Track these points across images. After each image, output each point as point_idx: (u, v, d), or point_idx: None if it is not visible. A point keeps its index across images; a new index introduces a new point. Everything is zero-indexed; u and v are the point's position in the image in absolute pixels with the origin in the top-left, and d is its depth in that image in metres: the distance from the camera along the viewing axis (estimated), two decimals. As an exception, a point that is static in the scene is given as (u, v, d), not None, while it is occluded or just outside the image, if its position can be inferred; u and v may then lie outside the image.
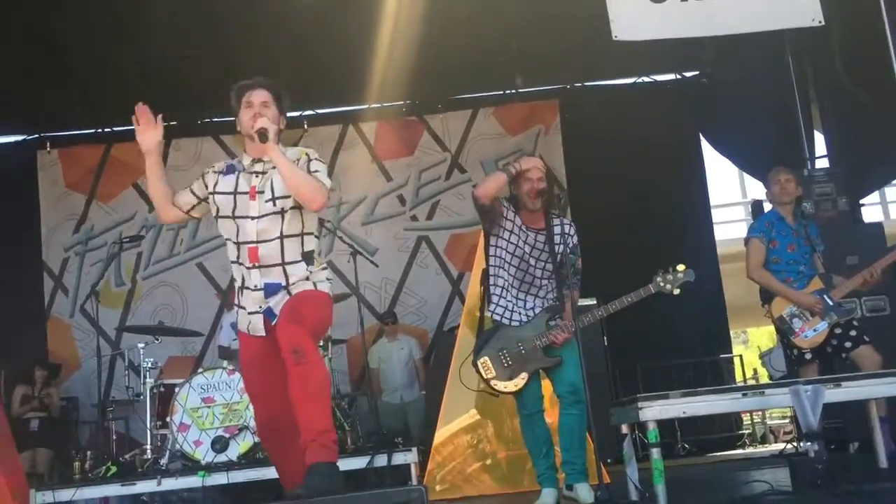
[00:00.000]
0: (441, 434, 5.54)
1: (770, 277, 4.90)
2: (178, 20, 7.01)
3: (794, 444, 7.20)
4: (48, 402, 7.66)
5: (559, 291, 4.20)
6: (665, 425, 5.45)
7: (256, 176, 3.43)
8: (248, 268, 3.38)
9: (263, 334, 3.36)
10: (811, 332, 4.76)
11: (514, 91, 9.02)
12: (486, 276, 4.35)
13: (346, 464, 5.02)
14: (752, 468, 5.76)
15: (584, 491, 4.01)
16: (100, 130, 8.96)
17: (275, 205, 3.37)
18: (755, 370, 10.67)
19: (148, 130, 3.57)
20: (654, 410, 3.41)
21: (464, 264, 8.61)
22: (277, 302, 3.34)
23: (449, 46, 7.41)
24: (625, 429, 3.87)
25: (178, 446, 5.50)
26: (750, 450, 8.87)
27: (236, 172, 3.47)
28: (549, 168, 4.35)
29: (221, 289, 8.38)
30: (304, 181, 3.31)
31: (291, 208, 3.37)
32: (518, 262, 4.22)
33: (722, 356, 9.01)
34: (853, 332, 4.73)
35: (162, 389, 5.91)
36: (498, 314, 4.24)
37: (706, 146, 9.16)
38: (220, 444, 5.46)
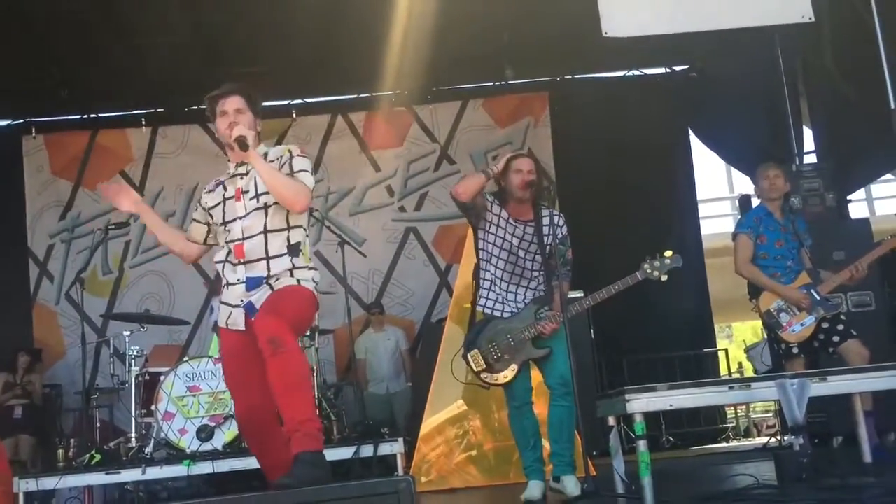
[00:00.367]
0: (427, 425, 5.55)
1: (758, 272, 4.93)
2: (166, 7, 6.94)
3: (779, 437, 7.26)
4: (31, 390, 7.61)
5: (548, 282, 4.21)
6: (650, 418, 5.48)
7: (241, 178, 3.45)
8: (234, 264, 3.39)
9: (242, 328, 3.34)
10: (798, 327, 4.78)
11: (503, 83, 9.00)
12: (476, 269, 4.36)
13: (331, 454, 5.01)
14: (737, 462, 5.80)
15: (570, 483, 4.02)
16: (85, 116, 8.87)
17: (258, 201, 3.38)
18: (740, 364, 10.72)
19: (122, 199, 3.64)
20: (641, 403, 3.41)
21: (452, 256, 8.60)
22: (259, 297, 3.32)
23: (439, 37, 7.37)
24: (611, 421, 3.87)
25: (162, 435, 5.48)
26: (734, 443, 8.93)
27: (221, 183, 3.51)
28: (538, 161, 4.35)
29: (209, 278, 8.33)
30: (285, 185, 3.33)
31: (274, 203, 3.37)
32: (507, 255, 4.23)
33: (707, 350, 9.06)
34: (840, 327, 4.76)
35: (147, 378, 5.88)
36: (489, 308, 4.25)
37: (695, 140, 9.19)
38: (205, 433, 5.43)
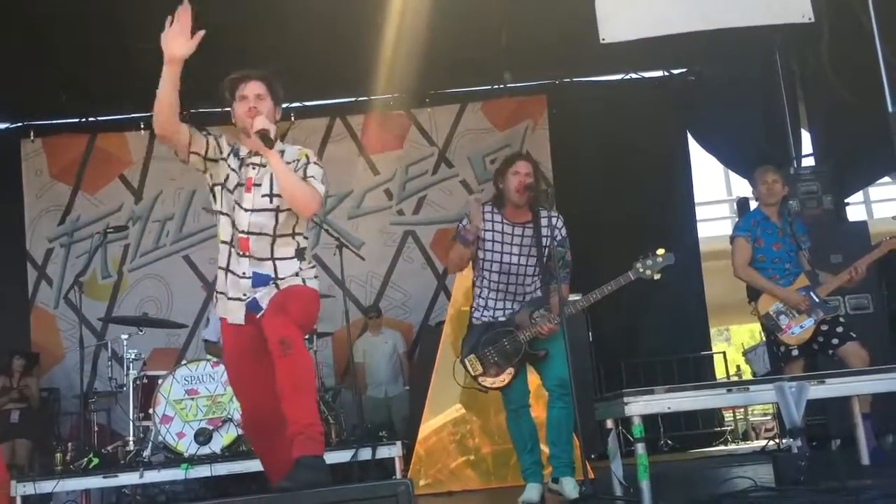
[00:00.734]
0: (425, 428, 5.55)
1: (756, 275, 4.93)
2: (165, 10, 6.94)
3: (777, 440, 7.26)
4: (28, 394, 7.59)
5: (544, 284, 4.21)
6: (648, 421, 5.48)
7: (254, 168, 3.38)
8: (238, 255, 3.33)
9: (241, 322, 3.31)
10: (798, 329, 4.79)
11: (502, 86, 9.02)
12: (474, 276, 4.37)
13: (330, 457, 4.98)
14: (735, 464, 5.80)
15: (569, 485, 4.02)
16: (84, 120, 8.87)
17: (271, 202, 3.33)
18: (738, 367, 10.73)
19: (179, 37, 3.29)
20: (640, 405, 3.42)
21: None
22: (264, 294, 3.30)
23: (437, 40, 7.38)
24: (610, 424, 3.88)
25: (160, 438, 5.47)
26: (732, 446, 8.93)
27: (240, 157, 3.41)
28: (537, 164, 4.35)
29: (207, 281, 8.34)
30: (300, 189, 3.29)
31: (287, 209, 3.34)
32: (500, 258, 4.23)
33: (705, 353, 9.06)
34: (840, 329, 4.76)
35: (145, 381, 5.88)
36: (485, 317, 4.25)
37: (693, 143, 9.20)
38: (203, 437, 5.43)
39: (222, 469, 5.23)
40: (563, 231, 4.26)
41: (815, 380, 3.56)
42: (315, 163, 3.41)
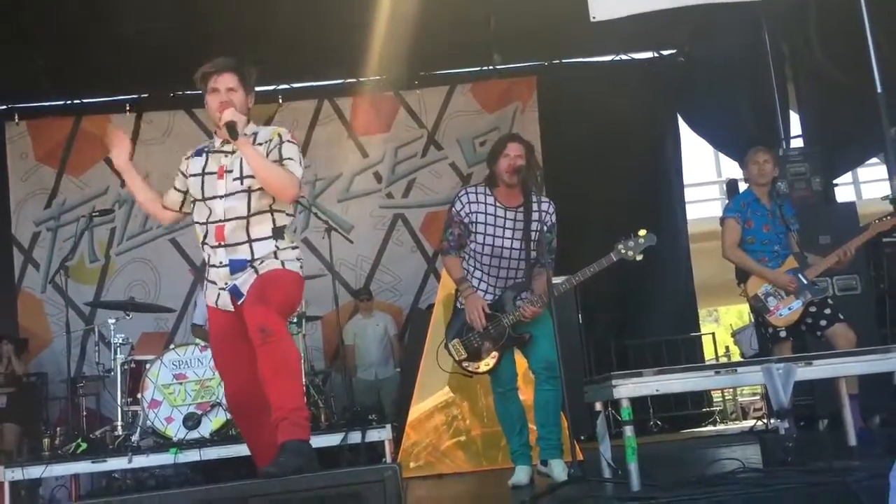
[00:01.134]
0: (415, 411, 5.55)
1: (745, 257, 4.93)
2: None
3: (765, 421, 7.30)
4: (15, 378, 7.55)
5: (527, 268, 4.20)
6: (638, 402, 5.49)
7: (226, 156, 3.41)
8: (212, 246, 3.36)
9: (232, 309, 3.33)
10: (786, 311, 4.80)
11: (491, 67, 8.97)
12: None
13: (319, 441, 5.01)
14: (723, 445, 5.83)
15: (558, 467, 4.03)
16: (69, 102, 8.78)
17: (242, 183, 3.34)
18: (727, 348, 10.78)
19: (119, 149, 3.58)
20: (628, 388, 3.42)
21: (439, 242, 8.56)
22: (244, 280, 3.30)
23: (426, 22, 7.33)
24: (598, 406, 3.88)
25: (149, 423, 5.45)
26: (721, 426, 8.99)
27: (205, 154, 3.46)
28: (531, 146, 4.31)
29: (195, 265, 8.30)
30: (274, 173, 3.30)
31: (259, 188, 3.33)
32: (493, 241, 4.20)
33: (694, 334, 9.09)
34: (828, 311, 4.77)
35: (133, 366, 5.85)
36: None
37: (682, 125, 9.18)
38: (192, 421, 5.42)
39: (212, 453, 5.23)
40: (553, 217, 4.24)
41: (802, 361, 3.57)
42: (289, 141, 3.41)
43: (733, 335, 9.86)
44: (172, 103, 8.70)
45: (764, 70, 7.63)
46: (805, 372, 3.53)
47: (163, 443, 5.40)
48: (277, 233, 3.38)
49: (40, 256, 8.54)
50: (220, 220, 3.34)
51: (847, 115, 6.76)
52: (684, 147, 9.30)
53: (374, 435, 5.39)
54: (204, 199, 3.38)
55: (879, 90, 4.47)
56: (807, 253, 4.96)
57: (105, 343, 6.29)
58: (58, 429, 6.19)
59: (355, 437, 5.31)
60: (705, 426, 8.82)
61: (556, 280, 4.11)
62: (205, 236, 3.38)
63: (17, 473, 5.10)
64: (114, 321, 6.08)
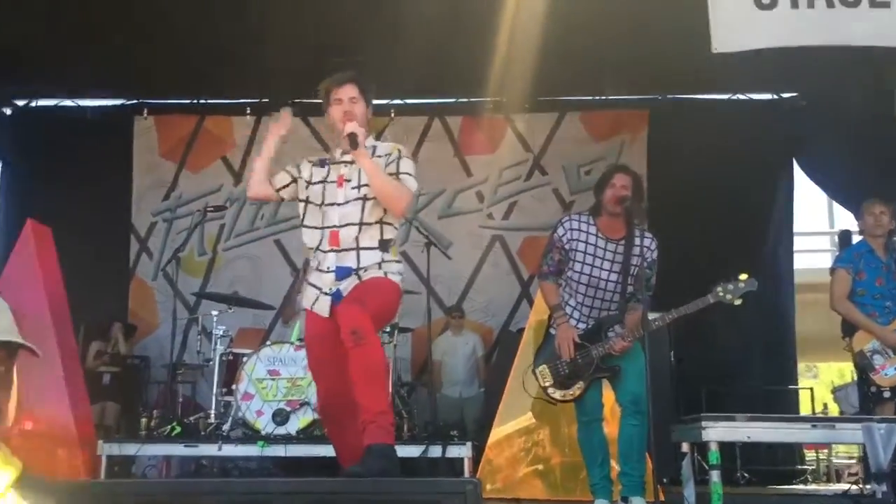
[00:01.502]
0: (496, 433, 5.54)
1: (854, 310, 4.76)
2: (282, 1, 7.15)
3: (861, 484, 6.96)
4: (120, 359, 7.93)
5: (622, 302, 4.16)
6: (725, 451, 5.34)
7: (346, 166, 3.52)
8: (324, 251, 3.45)
9: (327, 315, 3.42)
10: (892, 371, 4.60)
11: (602, 98, 8.94)
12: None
13: (400, 451, 5.00)
14: (814, 505, 5.59)
15: (638, 505, 3.96)
16: (195, 101, 9.20)
17: (359, 192, 3.44)
18: (825, 405, 10.34)
19: (281, 128, 3.71)
20: (718, 431, 3.36)
21: (535, 267, 8.52)
22: (346, 286, 3.39)
23: (541, 47, 7.36)
24: (685, 448, 3.80)
25: (240, 414, 5.63)
26: (812, 486, 8.61)
27: (327, 165, 3.57)
28: (639, 178, 4.28)
29: (296, 267, 8.55)
30: (391, 187, 3.40)
31: (374, 197, 3.43)
32: (590, 271, 4.19)
33: (791, 387, 8.76)
34: (936, 375, 4.55)
35: (231, 358, 6.07)
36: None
37: (797, 171, 8.90)
38: (280, 417, 5.56)
39: (296, 450, 5.36)
40: (655, 254, 4.19)
41: (907, 424, 3.42)
42: (407, 157, 3.52)
43: (833, 392, 9.43)
44: (296, 114, 8.99)
45: (888, 121, 7.34)
46: (909, 436, 3.39)
47: (251, 435, 5.56)
48: (384, 245, 3.47)
49: (154, 246, 8.96)
50: (335, 226, 3.44)
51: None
52: (796, 193, 9.02)
53: (454, 451, 5.41)
54: (322, 205, 3.49)
55: None
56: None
57: (206, 334, 6.55)
58: (154, 411, 6.45)
59: (436, 452, 5.34)
60: (795, 484, 8.46)
61: (651, 316, 4.07)
62: (319, 242, 3.48)
63: (114, 449, 5.36)
64: (216, 313, 6.32)
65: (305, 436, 5.54)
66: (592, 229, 4.22)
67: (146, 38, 7.71)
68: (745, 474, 7.99)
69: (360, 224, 3.43)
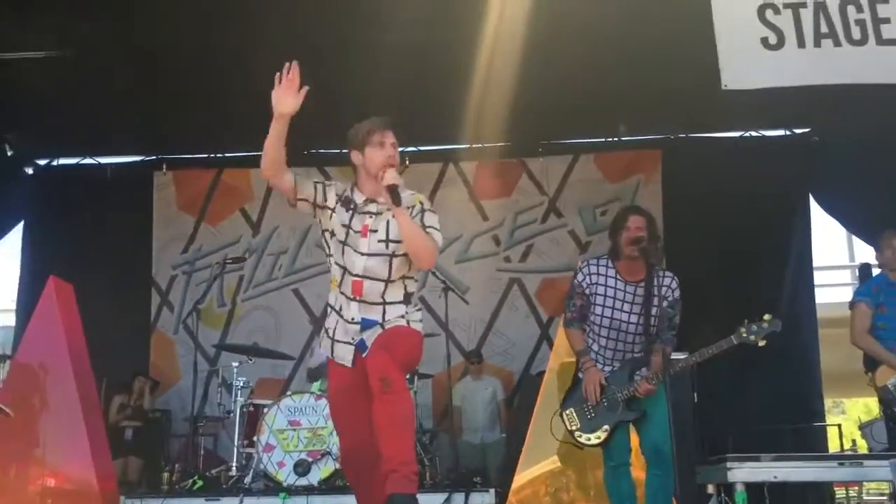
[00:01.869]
0: (520, 478, 5.48)
1: (875, 344, 4.71)
2: (287, 54, 7.28)
3: (893, 523, 6.80)
4: (142, 413, 7.94)
5: (646, 343, 4.14)
6: (753, 492, 5.27)
7: (370, 217, 3.46)
8: (349, 298, 3.42)
9: (350, 365, 3.40)
10: (917, 405, 4.53)
11: (616, 139, 8.99)
12: None
13: (423, 499, 4.97)
14: (846, 545, 5.47)
15: (664, 551, 3.90)
16: (212, 155, 9.34)
17: (387, 247, 3.41)
18: (853, 441, 10.13)
19: (288, 95, 3.45)
20: (744, 472, 3.32)
21: (554, 309, 8.55)
22: (370, 335, 3.39)
23: (552, 90, 7.45)
24: (711, 489, 3.75)
25: (262, 466, 5.62)
26: (844, 525, 8.41)
27: (351, 209, 3.48)
28: (652, 218, 4.29)
29: (315, 315, 8.58)
30: (424, 243, 3.36)
31: (402, 254, 3.42)
32: (612, 314, 4.19)
33: (817, 424, 8.61)
34: (963, 409, 4.48)
35: (251, 409, 6.07)
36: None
37: (814, 205, 8.87)
38: (302, 468, 5.55)
39: (318, 501, 5.33)
40: (677, 293, 4.18)
41: (936, 460, 3.36)
42: (430, 210, 3.48)
43: (861, 428, 9.27)
44: (306, 160, 9.11)
45: (904, 151, 7.33)
46: (938, 472, 3.32)
47: (273, 487, 5.54)
48: (407, 298, 3.48)
49: (175, 299, 9.02)
50: (359, 276, 3.40)
51: None
52: (815, 228, 8.97)
53: (477, 498, 5.37)
54: (345, 244, 3.43)
55: None
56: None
57: (226, 385, 6.57)
58: (177, 465, 6.44)
59: (459, 499, 5.30)
60: (826, 524, 8.27)
61: (674, 356, 4.05)
62: (341, 282, 3.43)
63: (137, 504, 5.35)
64: (237, 365, 6.34)
65: (327, 486, 5.52)
66: (612, 272, 4.22)
67: (165, 96, 7.87)
68: (775, 514, 7.83)
69: (387, 282, 3.42)
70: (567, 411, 4.24)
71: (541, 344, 8.65)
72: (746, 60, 4.57)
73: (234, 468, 5.91)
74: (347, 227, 3.45)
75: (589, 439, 4.18)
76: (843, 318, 5.52)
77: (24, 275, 9.01)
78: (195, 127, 8.64)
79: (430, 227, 3.43)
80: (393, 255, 3.41)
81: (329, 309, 3.53)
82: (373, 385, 3.14)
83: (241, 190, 9.28)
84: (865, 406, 19.92)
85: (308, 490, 5.42)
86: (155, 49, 7.13)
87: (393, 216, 3.40)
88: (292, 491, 5.39)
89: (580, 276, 4.26)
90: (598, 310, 4.20)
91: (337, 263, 3.47)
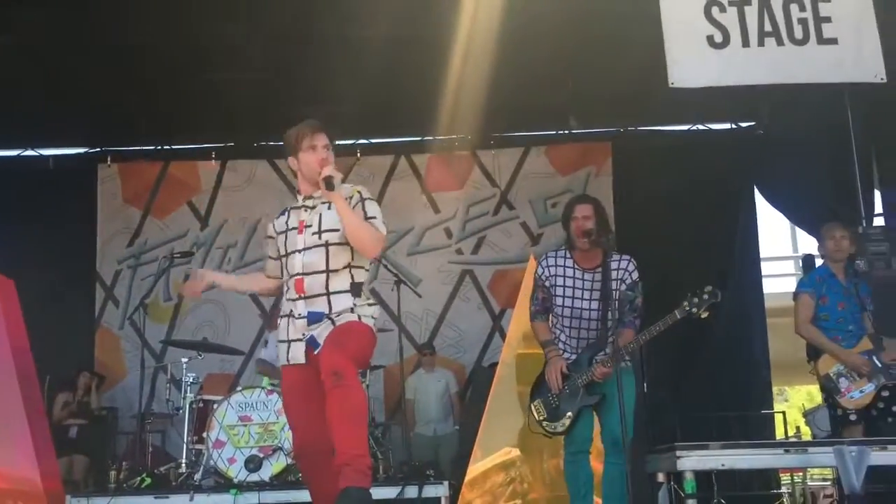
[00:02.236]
0: (473, 470, 5.49)
1: (818, 334, 4.82)
2: (243, 45, 7.19)
3: (835, 507, 6.99)
4: (88, 410, 7.77)
5: (604, 328, 4.19)
6: (701, 478, 5.36)
7: (306, 210, 3.54)
8: (293, 299, 3.45)
9: (303, 362, 3.40)
10: (857, 393, 4.66)
11: (566, 132, 9.06)
12: None
13: (376, 493, 4.95)
14: (791, 529, 5.60)
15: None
16: (159, 147, 9.16)
17: (320, 238, 3.45)
18: (798, 428, 10.38)
19: (196, 288, 3.76)
20: (693, 460, 3.37)
21: (506, 301, 8.60)
22: (321, 332, 3.38)
23: (504, 84, 7.47)
24: (661, 477, 3.81)
25: (212, 463, 5.54)
26: (789, 511, 8.63)
27: (287, 212, 3.60)
28: (599, 204, 4.35)
29: (265, 309, 8.48)
30: (366, 232, 3.40)
31: (336, 243, 3.43)
32: (571, 303, 4.26)
33: (764, 412, 8.80)
34: (902, 396, 4.61)
35: (201, 405, 5.97)
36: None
37: (759, 198, 9.05)
38: (253, 464, 5.48)
39: (270, 497, 5.26)
40: (635, 275, 4.26)
41: (877, 445, 3.45)
42: (370, 199, 3.52)
43: (805, 415, 9.51)
44: (255, 153, 9.01)
45: (846, 146, 7.50)
46: (879, 456, 3.42)
47: (224, 483, 5.46)
48: (355, 289, 3.47)
49: (120, 294, 8.84)
50: (300, 274, 3.44)
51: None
52: (760, 220, 9.16)
53: (430, 491, 5.35)
54: (287, 255, 3.51)
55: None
56: (882, 336, 4.81)
57: (175, 381, 6.45)
58: (124, 463, 6.30)
59: (412, 492, 5.29)
60: (772, 508, 8.47)
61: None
62: (287, 289, 3.50)
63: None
64: (186, 360, 6.23)
65: (279, 482, 5.46)
66: (569, 262, 4.29)
67: (109, 86, 7.70)
68: (722, 501, 7.99)
69: (327, 272, 3.43)
70: (535, 402, 4.32)
71: (493, 335, 8.69)
72: (692, 59, 4.66)
73: (183, 465, 5.80)
74: (285, 229, 3.54)
75: (555, 428, 4.25)
76: (786, 307, 5.65)
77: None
78: (141, 119, 8.48)
79: (371, 217, 3.46)
80: (328, 245, 3.43)
81: (280, 318, 3.57)
82: (325, 380, 3.13)
83: (189, 182, 9.12)
84: (808, 394, 20.46)
85: (260, 486, 5.35)
86: (100, 38, 6.96)
87: (329, 207, 3.46)
88: (243, 487, 5.32)
89: (539, 270, 4.34)
90: (559, 300, 4.28)
91: (284, 277, 3.55)
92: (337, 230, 3.44)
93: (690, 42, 4.64)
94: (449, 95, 7.62)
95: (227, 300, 8.76)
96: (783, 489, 9.32)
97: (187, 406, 5.93)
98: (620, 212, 8.73)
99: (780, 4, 4.73)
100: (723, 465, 3.42)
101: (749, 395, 8.65)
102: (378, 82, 7.60)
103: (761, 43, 4.65)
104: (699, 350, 7.77)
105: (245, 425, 5.63)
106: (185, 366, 6.16)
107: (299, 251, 3.46)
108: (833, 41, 4.69)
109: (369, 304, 3.51)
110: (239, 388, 5.96)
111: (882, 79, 4.55)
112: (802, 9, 4.73)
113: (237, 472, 5.47)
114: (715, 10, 4.70)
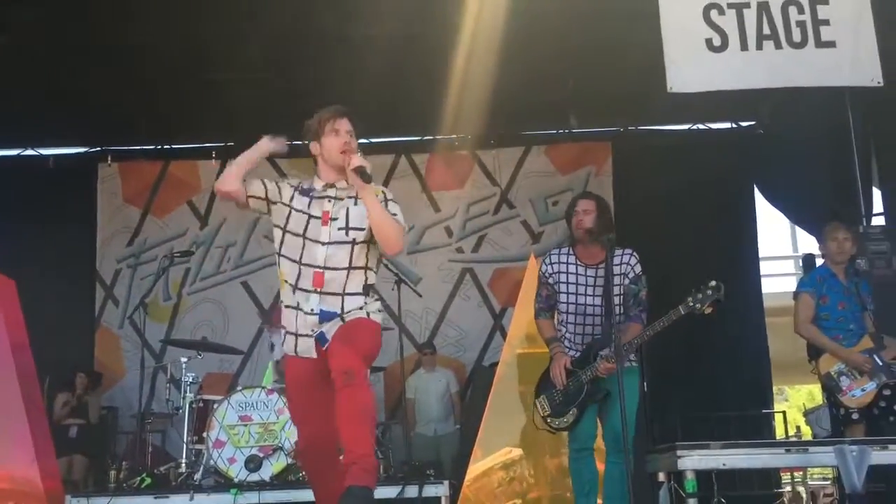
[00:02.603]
0: (474, 469, 5.49)
1: (818, 333, 4.82)
2: (243, 45, 7.19)
3: (836, 506, 6.99)
4: (87, 410, 7.76)
5: (607, 324, 4.19)
6: (702, 478, 5.35)
7: (329, 201, 3.45)
8: (306, 290, 3.36)
9: (314, 356, 3.35)
10: (859, 392, 4.65)
11: (567, 131, 9.05)
12: None
13: (377, 492, 4.93)
14: (791, 529, 5.60)
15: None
16: (159, 147, 9.16)
17: (347, 234, 3.38)
18: (798, 428, 10.38)
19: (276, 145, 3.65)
20: (693, 460, 3.37)
21: (507, 299, 8.60)
22: (330, 327, 3.34)
23: (505, 83, 7.47)
24: (661, 477, 3.80)
25: (212, 462, 5.53)
26: (789, 510, 8.62)
27: (310, 196, 3.48)
28: (601, 199, 4.38)
29: (264, 308, 8.48)
30: (392, 226, 3.36)
31: (362, 242, 3.39)
32: (575, 300, 4.28)
33: (765, 412, 8.80)
34: (903, 395, 4.61)
35: (201, 405, 5.97)
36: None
37: (759, 197, 9.05)
38: (253, 464, 5.47)
39: (270, 497, 5.25)
40: (637, 268, 4.27)
41: (877, 444, 3.45)
42: (393, 200, 3.48)
43: (806, 415, 9.51)
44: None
45: (846, 145, 7.50)
46: (880, 456, 3.42)
47: (224, 483, 5.46)
48: (367, 290, 3.45)
49: (119, 293, 8.84)
50: (320, 267, 3.35)
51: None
52: (760, 220, 9.17)
53: (430, 490, 5.34)
54: (304, 237, 3.39)
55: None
56: (883, 334, 4.81)
57: (174, 381, 6.45)
58: (123, 463, 6.30)
59: (412, 491, 5.28)
60: (772, 508, 8.46)
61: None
62: (297, 277, 3.38)
63: (83, 503, 5.22)
64: (186, 360, 6.23)
65: (280, 482, 5.45)
66: (572, 259, 4.31)
67: (108, 86, 7.69)
68: (722, 500, 7.98)
69: (349, 269, 3.38)
70: (540, 399, 4.32)
71: (494, 334, 8.69)
72: (691, 63, 4.67)
73: (183, 465, 5.79)
74: (307, 213, 3.42)
75: (559, 424, 4.26)
76: (786, 306, 5.64)
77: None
78: (141, 118, 8.47)
79: (394, 214, 3.43)
80: (353, 243, 3.38)
81: (286, 308, 3.46)
82: (335, 378, 3.10)
83: (189, 182, 9.12)
84: (809, 393, 20.45)
85: (260, 486, 5.34)
86: (100, 38, 6.95)
87: (355, 203, 3.41)
88: (244, 487, 5.31)
89: (543, 267, 4.36)
90: (563, 297, 4.29)
91: (292, 259, 3.41)
92: (363, 229, 3.38)
93: (689, 46, 4.65)
94: (449, 95, 7.63)
95: (226, 299, 8.76)
96: (784, 488, 9.32)
97: (187, 406, 5.92)
98: (620, 211, 8.66)
99: (779, 7, 4.74)
100: (723, 464, 3.42)
101: (749, 395, 8.65)
102: (378, 82, 7.59)
103: (760, 46, 4.66)
104: (699, 350, 7.76)
105: (245, 425, 5.62)
106: (184, 365, 6.15)
107: (323, 243, 3.37)
108: (831, 44, 4.69)
109: (375, 300, 3.48)
110: (239, 388, 5.95)
111: (879, 82, 4.56)
112: (801, 12, 4.74)
113: (237, 472, 5.46)
114: (714, 14, 4.71)
